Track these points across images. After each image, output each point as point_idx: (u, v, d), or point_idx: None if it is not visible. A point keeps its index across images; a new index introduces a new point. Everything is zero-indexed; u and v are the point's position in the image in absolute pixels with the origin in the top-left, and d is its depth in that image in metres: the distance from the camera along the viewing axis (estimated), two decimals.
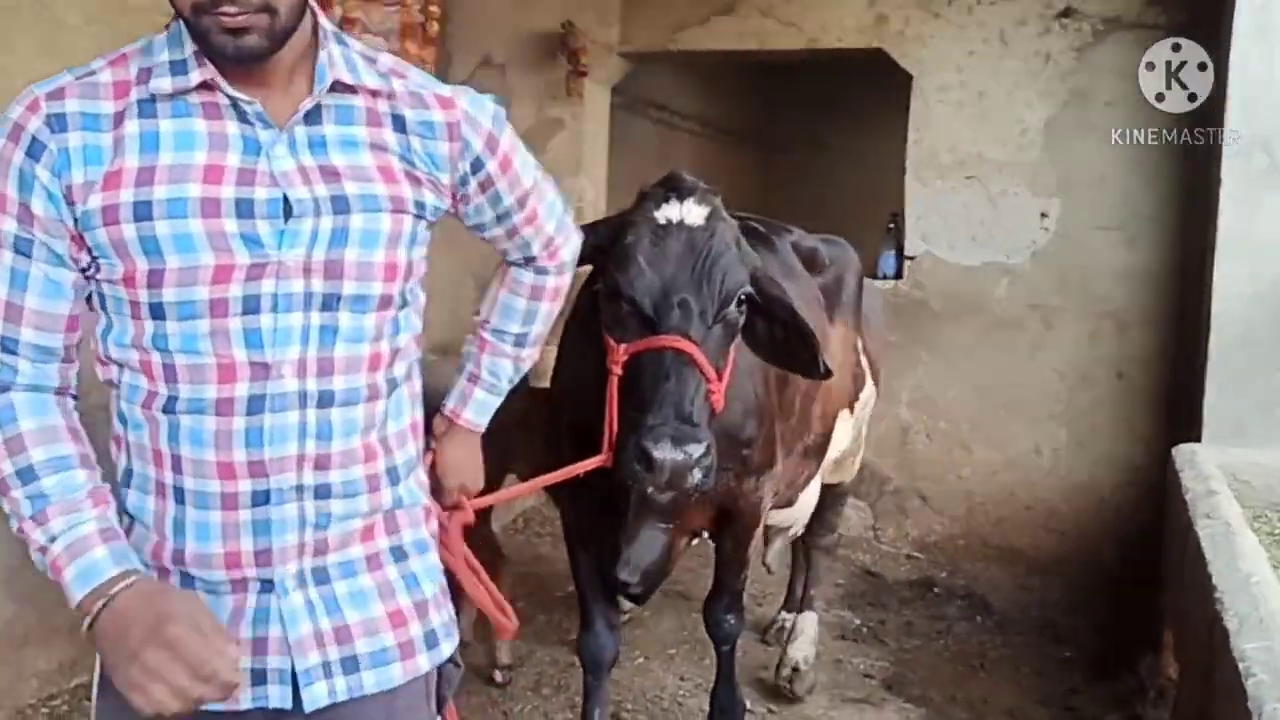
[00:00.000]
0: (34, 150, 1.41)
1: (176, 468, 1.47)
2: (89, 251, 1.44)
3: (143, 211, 1.40)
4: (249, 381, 1.44)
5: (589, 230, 2.46)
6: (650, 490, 2.39)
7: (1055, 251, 5.18)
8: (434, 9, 5.68)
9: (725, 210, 2.62)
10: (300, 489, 1.48)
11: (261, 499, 1.47)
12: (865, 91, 7.52)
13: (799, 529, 3.89)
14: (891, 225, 5.62)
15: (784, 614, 4.39)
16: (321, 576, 1.52)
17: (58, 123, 1.41)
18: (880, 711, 3.84)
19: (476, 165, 1.61)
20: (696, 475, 2.29)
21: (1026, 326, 5.27)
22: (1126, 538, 5.02)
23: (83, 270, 1.46)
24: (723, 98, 9.18)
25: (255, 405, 1.44)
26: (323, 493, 1.50)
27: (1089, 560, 5.14)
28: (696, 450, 2.27)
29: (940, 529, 5.50)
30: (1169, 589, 3.89)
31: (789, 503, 3.46)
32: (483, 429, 1.94)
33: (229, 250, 1.42)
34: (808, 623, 4.01)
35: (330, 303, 1.47)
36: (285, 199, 1.44)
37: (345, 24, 5.09)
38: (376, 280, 1.51)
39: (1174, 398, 4.98)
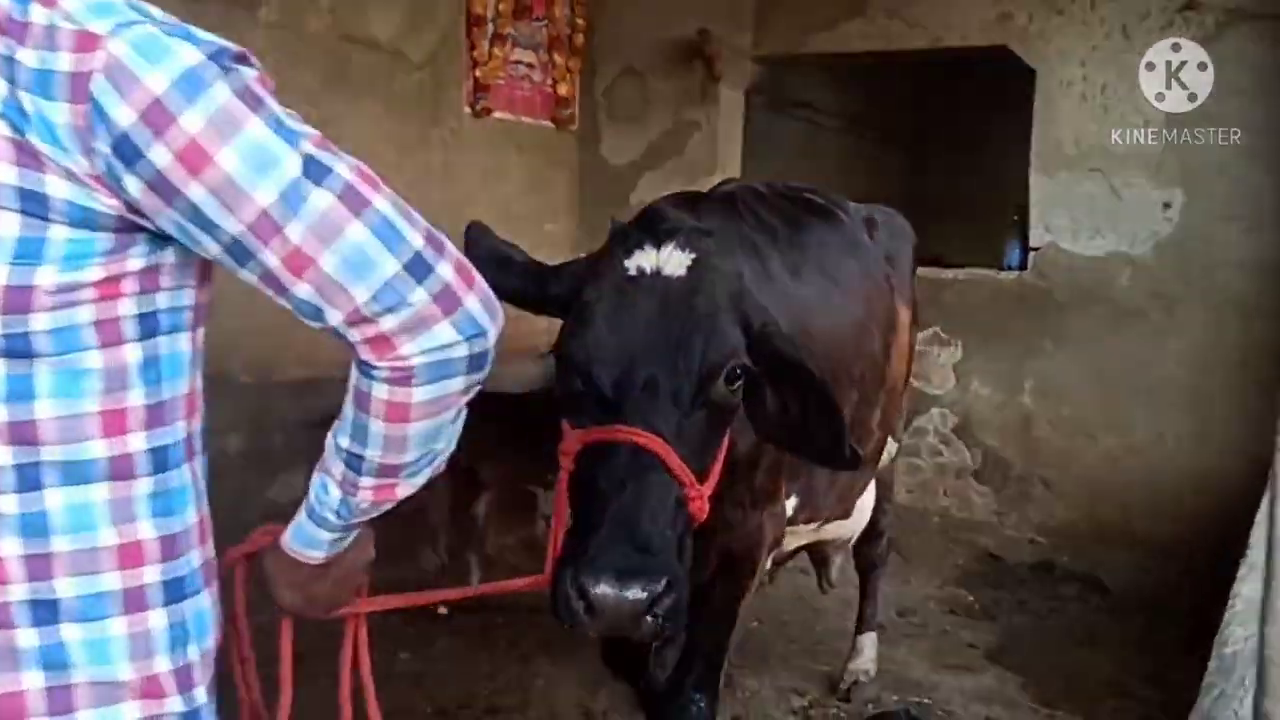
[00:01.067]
0: None
1: None
2: None
3: None
4: None
5: (549, 277, 2.11)
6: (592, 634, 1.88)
7: (1178, 241, 5.24)
8: (580, 22, 6.14)
9: (721, 257, 2.08)
10: None
11: None
12: (1023, 86, 7.58)
13: (854, 538, 3.69)
14: (1016, 217, 5.76)
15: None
16: None
17: None
18: (978, 677, 4.05)
19: (126, 150, 1.02)
20: (650, 623, 1.72)
21: (1149, 316, 5.34)
22: (1247, 525, 5.04)
23: None
24: (870, 94, 9.30)
25: None
26: None
27: (1211, 546, 5.15)
28: (652, 588, 1.70)
29: (1062, 514, 5.60)
30: None
31: (845, 514, 3.24)
32: (308, 560, 1.35)
33: None
34: (867, 642, 3.93)
35: None
36: None
37: (496, 39, 5.58)
38: None
39: None
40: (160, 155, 1.02)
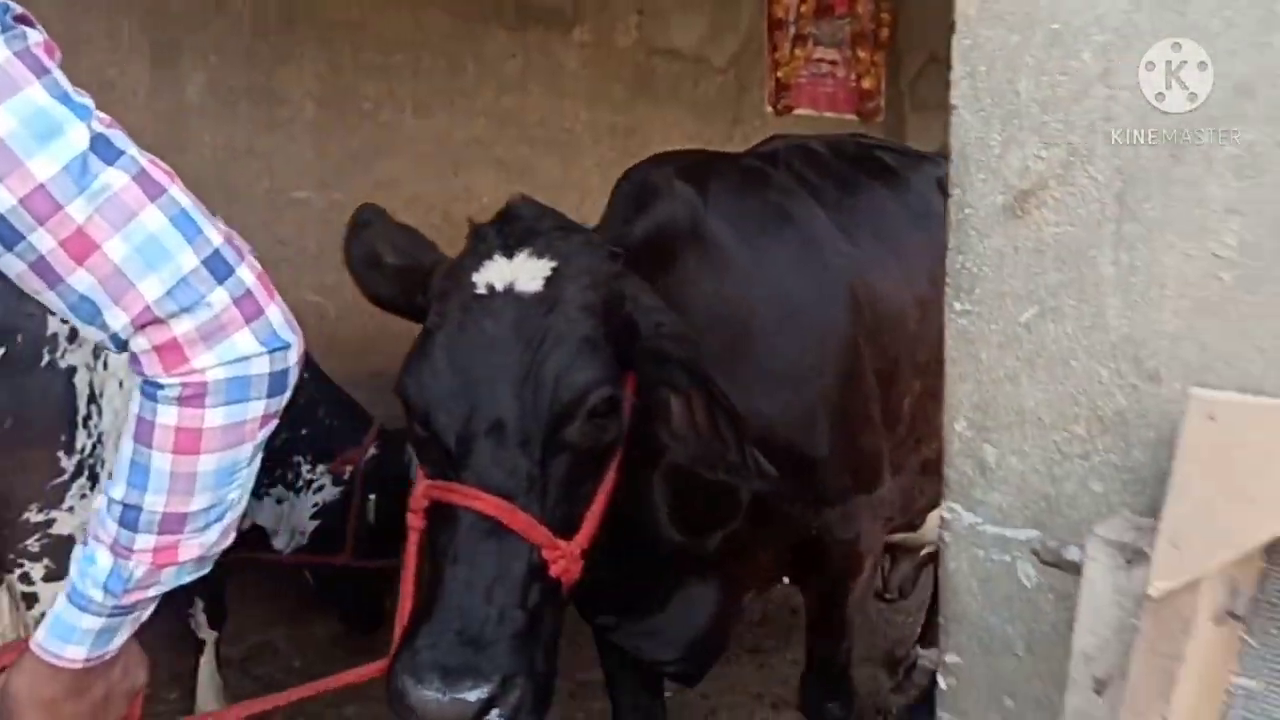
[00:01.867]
0: None
1: None
2: None
3: None
4: None
5: (418, 284, 1.75)
6: None
7: None
8: (885, 16, 6.30)
9: (593, 258, 1.70)
10: None
11: None
12: None
13: (921, 551, 3.20)
14: None
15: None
16: None
17: None
18: None
19: None
20: None
21: None
22: None
23: None
24: None
25: None
26: None
27: None
28: (481, 689, 1.45)
29: None
30: None
31: (910, 527, 2.75)
32: (63, 664, 1.09)
33: None
34: None
35: None
36: None
37: (797, 40, 5.86)
38: None
39: None
40: None
